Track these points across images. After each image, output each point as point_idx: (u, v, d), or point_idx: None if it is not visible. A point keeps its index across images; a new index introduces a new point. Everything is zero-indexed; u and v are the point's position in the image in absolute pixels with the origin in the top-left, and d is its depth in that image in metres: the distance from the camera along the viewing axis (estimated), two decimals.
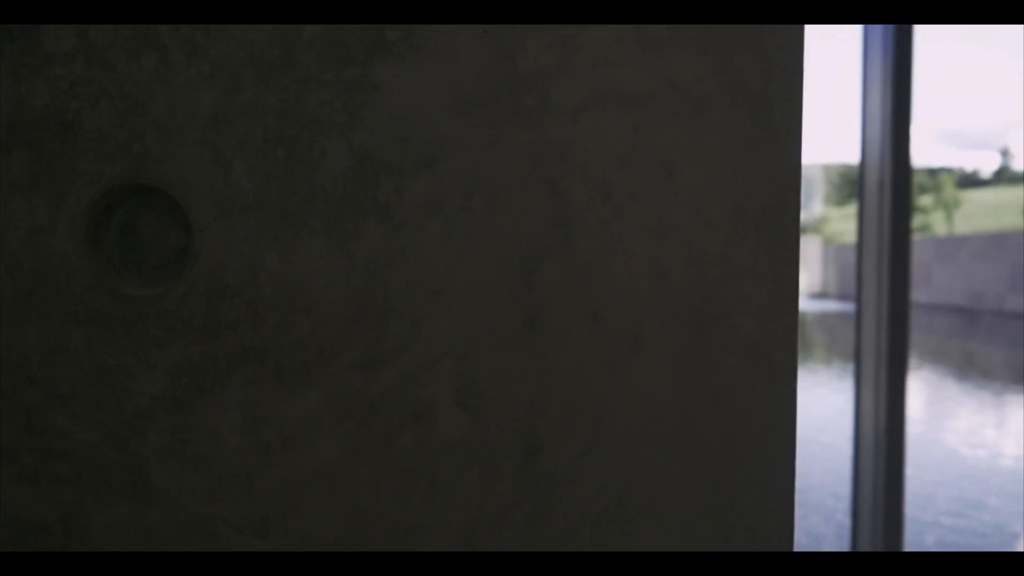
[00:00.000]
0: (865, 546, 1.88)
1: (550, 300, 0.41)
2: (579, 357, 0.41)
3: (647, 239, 0.41)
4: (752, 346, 0.41)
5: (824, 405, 5.41)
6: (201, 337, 0.42)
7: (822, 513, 3.06)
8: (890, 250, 1.90)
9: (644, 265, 0.41)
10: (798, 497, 3.27)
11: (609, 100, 0.41)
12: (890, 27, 1.83)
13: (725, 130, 0.41)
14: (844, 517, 3.06)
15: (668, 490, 0.41)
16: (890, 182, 1.89)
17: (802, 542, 2.71)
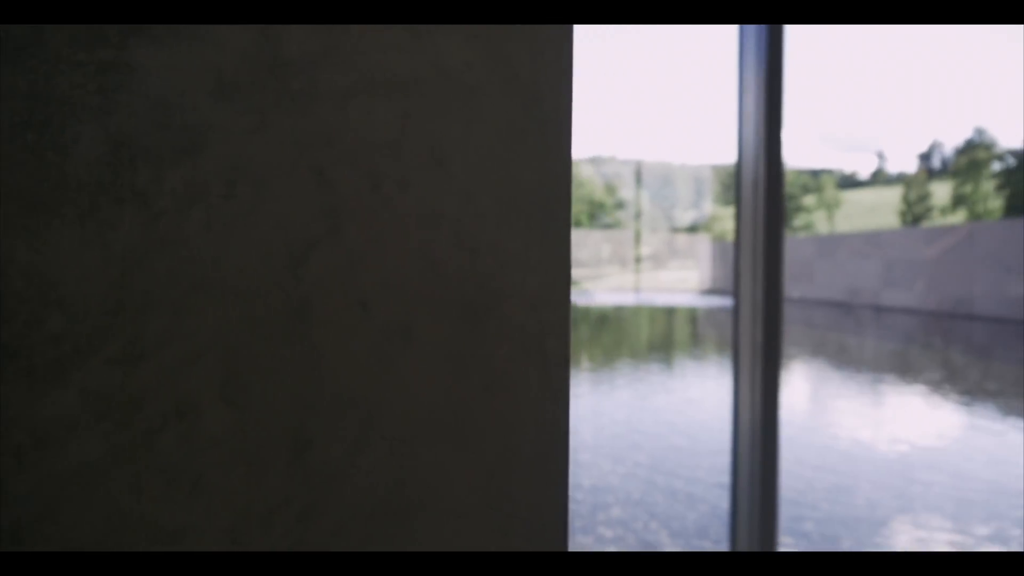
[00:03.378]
0: (743, 534, 1.94)
1: (318, 291, 0.40)
2: (349, 349, 0.40)
3: (418, 228, 0.40)
4: (525, 335, 0.41)
5: (712, 397, 5.60)
6: None
7: (709, 502, 3.15)
8: (764, 247, 1.98)
9: (415, 254, 0.40)
10: (686, 487, 3.36)
11: (378, 86, 0.40)
12: (763, 28, 1.90)
13: (496, 119, 0.40)
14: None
15: (443, 482, 0.41)
16: (764, 181, 1.96)
17: (690, 532, 2.79)
